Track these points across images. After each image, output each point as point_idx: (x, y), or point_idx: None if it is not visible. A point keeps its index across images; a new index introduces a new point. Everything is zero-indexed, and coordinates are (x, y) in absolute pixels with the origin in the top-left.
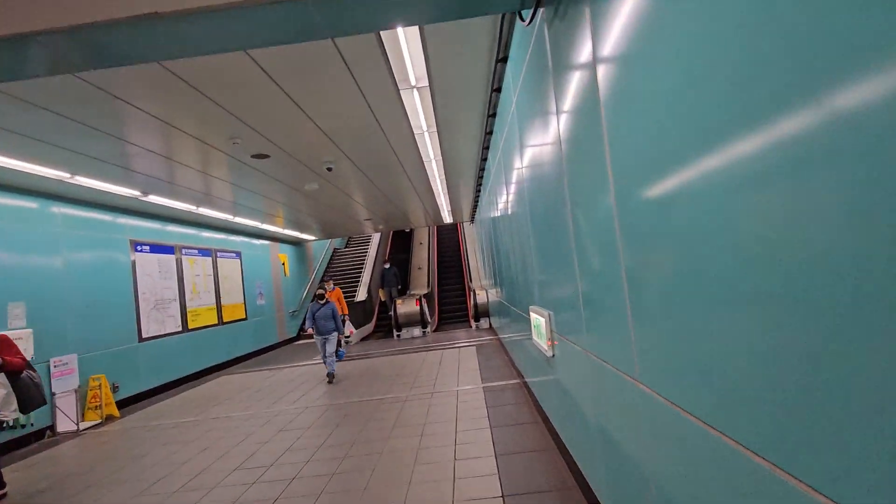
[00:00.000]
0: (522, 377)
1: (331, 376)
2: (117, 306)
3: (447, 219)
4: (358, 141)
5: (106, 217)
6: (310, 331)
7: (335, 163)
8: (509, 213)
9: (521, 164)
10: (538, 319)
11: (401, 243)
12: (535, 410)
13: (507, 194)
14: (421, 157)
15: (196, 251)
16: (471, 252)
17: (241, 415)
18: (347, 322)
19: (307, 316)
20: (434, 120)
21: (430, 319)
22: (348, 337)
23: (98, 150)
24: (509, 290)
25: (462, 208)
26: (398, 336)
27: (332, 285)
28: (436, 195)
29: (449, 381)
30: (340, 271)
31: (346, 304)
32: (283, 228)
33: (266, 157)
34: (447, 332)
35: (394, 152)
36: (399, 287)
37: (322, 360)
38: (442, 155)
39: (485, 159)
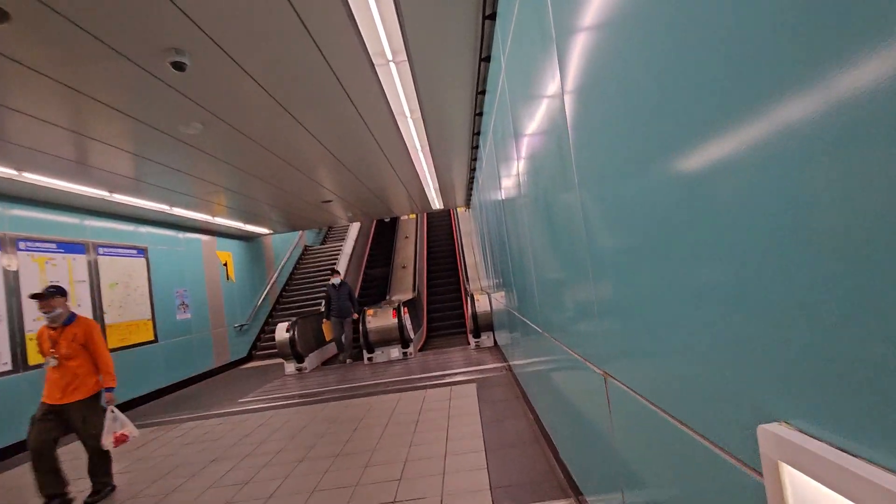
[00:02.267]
0: (570, 477)
1: None
2: None
3: (436, 203)
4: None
5: None
6: None
7: (193, 57)
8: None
9: None
10: None
11: (384, 237)
12: None
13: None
14: (381, 87)
15: (53, 245)
16: (467, 246)
17: None
18: (110, 417)
19: None
20: None
21: (412, 336)
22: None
23: None
24: (543, 299)
25: (455, 186)
26: (369, 359)
27: (59, 307)
28: (415, 163)
29: (427, 484)
30: (309, 274)
31: (106, 355)
32: (217, 217)
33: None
34: (437, 352)
35: (330, 68)
36: (355, 316)
37: None
38: (412, 67)
39: (483, 92)
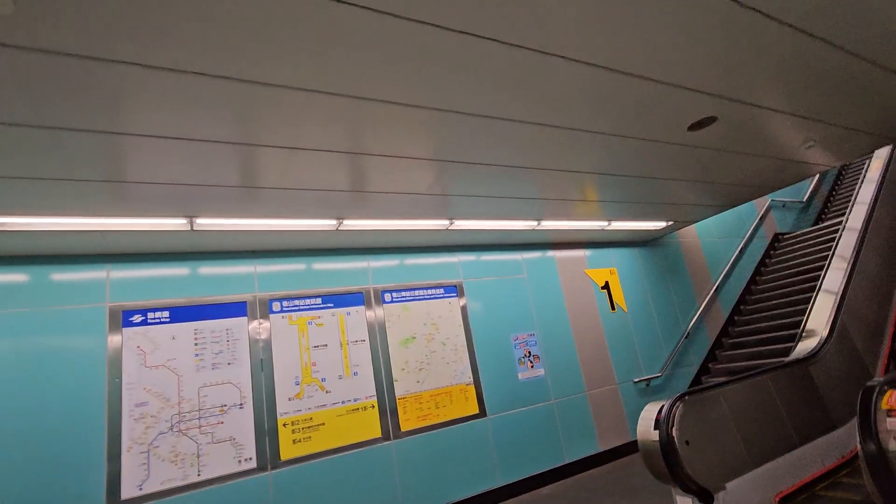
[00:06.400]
0: None
1: None
2: (56, 440)
3: None
4: None
5: (31, 269)
6: None
7: None
8: None
9: None
10: None
11: None
12: None
13: None
14: None
15: (318, 301)
16: None
17: None
18: None
19: None
20: None
21: None
22: None
23: None
24: None
25: None
26: None
27: None
28: None
29: None
30: (771, 285)
31: None
32: (575, 221)
33: None
34: None
35: None
36: None
37: None
38: None
39: None
